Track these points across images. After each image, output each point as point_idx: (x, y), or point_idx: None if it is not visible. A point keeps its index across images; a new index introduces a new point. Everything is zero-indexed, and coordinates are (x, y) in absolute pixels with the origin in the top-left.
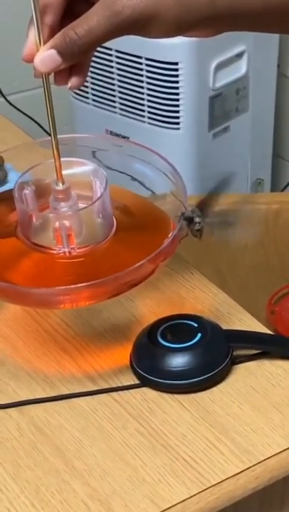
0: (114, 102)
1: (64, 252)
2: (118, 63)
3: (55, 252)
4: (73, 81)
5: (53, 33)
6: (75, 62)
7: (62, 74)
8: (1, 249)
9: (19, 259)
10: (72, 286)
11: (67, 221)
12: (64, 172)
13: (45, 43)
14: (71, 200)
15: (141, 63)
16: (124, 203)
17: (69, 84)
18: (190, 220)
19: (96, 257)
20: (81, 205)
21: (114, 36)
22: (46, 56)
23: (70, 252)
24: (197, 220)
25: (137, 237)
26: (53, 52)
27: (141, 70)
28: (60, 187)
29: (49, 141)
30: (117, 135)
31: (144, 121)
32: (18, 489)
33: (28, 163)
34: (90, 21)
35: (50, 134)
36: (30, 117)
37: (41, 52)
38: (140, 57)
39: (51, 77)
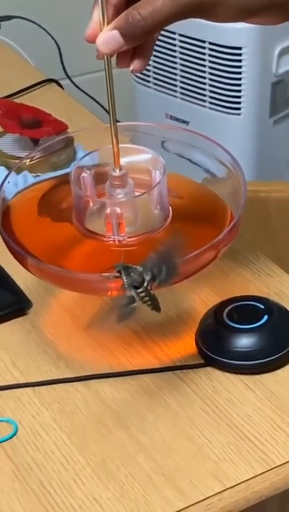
0: (175, 86)
1: (114, 240)
2: (181, 47)
3: (105, 239)
4: (136, 64)
5: (117, 13)
6: (138, 45)
7: (124, 56)
8: (55, 234)
9: (71, 245)
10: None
11: (119, 208)
12: (123, 160)
13: (109, 23)
14: (128, 187)
15: (204, 47)
16: (181, 192)
17: (131, 67)
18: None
19: (149, 246)
20: (137, 192)
21: (178, 19)
22: (108, 37)
23: (119, 241)
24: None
25: (192, 228)
26: (116, 32)
27: (204, 54)
28: (117, 173)
29: (120, 127)
30: (177, 119)
31: (204, 106)
32: (84, 461)
33: (97, 146)
34: (154, 2)
35: (118, 118)
36: (95, 100)
37: (104, 32)
38: (204, 42)
39: (113, 61)
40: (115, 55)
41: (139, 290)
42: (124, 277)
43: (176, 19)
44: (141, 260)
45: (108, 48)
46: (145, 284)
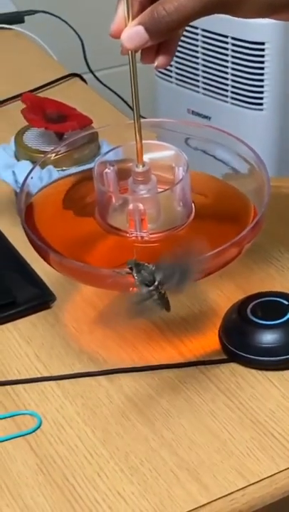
0: (197, 81)
1: (136, 236)
2: (204, 42)
3: (128, 235)
4: (160, 60)
5: (142, 8)
6: (163, 40)
7: (149, 52)
8: (78, 229)
9: (94, 241)
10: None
11: (142, 204)
12: (146, 156)
13: (134, 18)
14: (150, 184)
15: (227, 42)
16: (204, 189)
17: (155, 63)
18: (133, 269)
19: (171, 243)
20: (160, 189)
21: (204, 14)
22: (133, 32)
23: (142, 237)
24: (150, 288)
25: (215, 225)
26: (141, 28)
27: (226, 49)
28: (140, 169)
29: (143, 123)
30: (199, 115)
31: (227, 102)
32: (108, 455)
33: (121, 142)
34: None
35: (141, 113)
36: (117, 94)
37: (129, 28)
38: (226, 37)
39: (138, 57)
40: (139, 51)
41: (150, 288)
42: (135, 274)
43: (202, 15)
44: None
45: (133, 44)
46: (156, 284)
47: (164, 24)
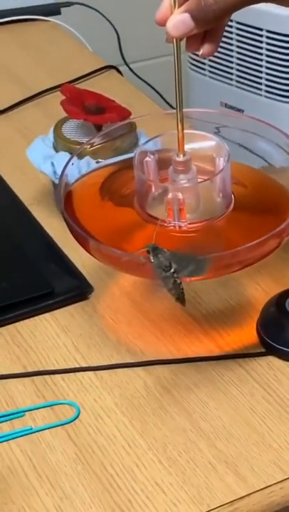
0: (231, 74)
1: (174, 226)
2: (238, 35)
3: (166, 224)
4: (206, 48)
5: None
6: (209, 29)
7: (194, 40)
8: (116, 218)
9: (133, 230)
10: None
11: (181, 194)
12: (186, 146)
13: (180, 6)
14: (190, 173)
15: (261, 35)
16: (244, 180)
17: (201, 51)
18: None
19: (209, 233)
20: (200, 179)
21: (251, 3)
22: (179, 20)
23: (180, 226)
24: (166, 273)
25: (254, 217)
26: (187, 16)
27: (261, 42)
28: (181, 158)
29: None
30: (232, 108)
31: (260, 95)
32: (146, 446)
33: (159, 132)
34: None
35: (174, 105)
36: (151, 86)
37: (175, 15)
38: (261, 30)
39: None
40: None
41: (166, 274)
42: (152, 257)
43: (249, 3)
44: (200, 247)
45: (178, 32)
46: (172, 270)
47: (210, 12)
